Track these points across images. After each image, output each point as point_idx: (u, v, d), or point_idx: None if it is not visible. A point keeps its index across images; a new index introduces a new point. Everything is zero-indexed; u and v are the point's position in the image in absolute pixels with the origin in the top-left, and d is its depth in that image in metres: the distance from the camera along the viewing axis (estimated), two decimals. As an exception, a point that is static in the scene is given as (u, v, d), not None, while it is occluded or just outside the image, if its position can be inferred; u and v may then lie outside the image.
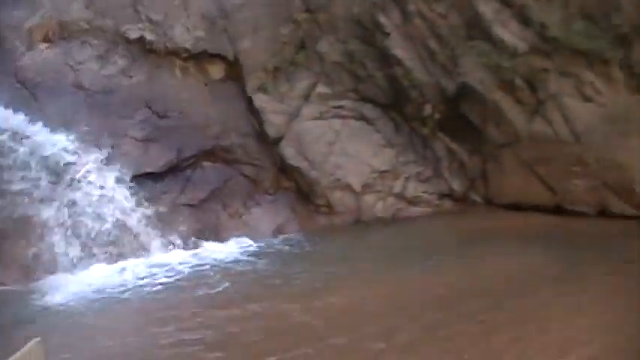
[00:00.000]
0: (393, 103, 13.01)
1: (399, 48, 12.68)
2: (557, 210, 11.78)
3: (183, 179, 12.27)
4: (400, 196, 12.38)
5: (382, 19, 12.69)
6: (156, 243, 10.95)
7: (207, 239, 11.39)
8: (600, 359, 5.76)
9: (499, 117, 11.87)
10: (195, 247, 11.05)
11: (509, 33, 11.69)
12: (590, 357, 5.76)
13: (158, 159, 12.17)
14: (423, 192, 12.46)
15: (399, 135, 12.94)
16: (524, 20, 11.62)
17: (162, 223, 11.34)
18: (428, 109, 12.60)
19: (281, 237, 11.71)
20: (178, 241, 11.11)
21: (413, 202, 12.35)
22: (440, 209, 12.38)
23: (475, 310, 7.05)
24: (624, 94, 11.29)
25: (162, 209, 11.48)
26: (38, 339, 4.93)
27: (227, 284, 8.80)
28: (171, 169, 12.19)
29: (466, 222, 11.77)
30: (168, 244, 11.05)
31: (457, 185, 12.61)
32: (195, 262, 10.17)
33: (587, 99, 11.36)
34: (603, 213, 11.49)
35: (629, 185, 11.19)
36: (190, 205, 11.98)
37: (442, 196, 12.56)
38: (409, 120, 12.93)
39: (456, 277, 8.51)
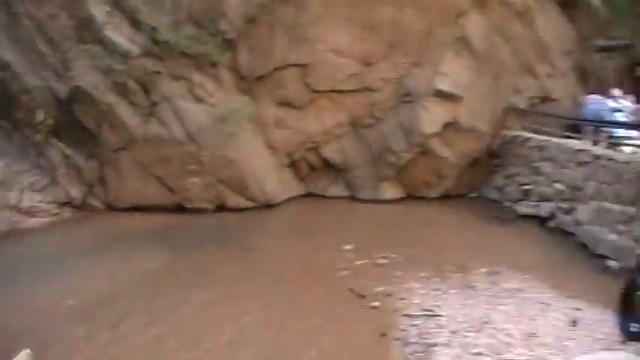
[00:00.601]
0: (3, 110, 12.15)
1: (5, 51, 11.92)
2: (178, 209, 11.91)
3: None
4: (16, 208, 11.43)
5: (-15, 20, 11.84)
6: None
7: None
8: (235, 343, 5.94)
9: (114, 120, 11.68)
10: None
11: (121, 36, 11.62)
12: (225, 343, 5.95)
13: None
14: (39, 202, 11.67)
15: (11, 144, 12.07)
16: (136, 24, 11.66)
17: None
18: (40, 115, 11.93)
19: None
20: None
21: (30, 213, 11.48)
22: (60, 218, 11.70)
23: (113, 316, 6.68)
24: (232, 95, 11.88)
25: None
26: (28, 350, 4.75)
27: None
28: None
29: (88, 228, 11.25)
30: None
31: (75, 192, 12.07)
32: None
33: (199, 100, 11.73)
34: (221, 208, 11.90)
35: (242, 180, 11.73)
36: None
37: (61, 204, 11.90)
38: (21, 127, 12.14)
39: (85, 285, 7.88)
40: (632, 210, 7.82)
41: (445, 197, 12.57)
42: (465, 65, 12.23)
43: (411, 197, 12.58)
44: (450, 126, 12.11)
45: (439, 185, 12.55)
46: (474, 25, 12.14)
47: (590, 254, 8.40)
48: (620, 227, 8.01)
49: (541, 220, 10.27)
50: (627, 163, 8.20)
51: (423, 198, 12.55)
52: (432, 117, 12.04)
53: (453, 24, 12.04)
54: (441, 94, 11.99)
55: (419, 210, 11.98)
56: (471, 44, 12.15)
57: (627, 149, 9.36)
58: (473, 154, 12.48)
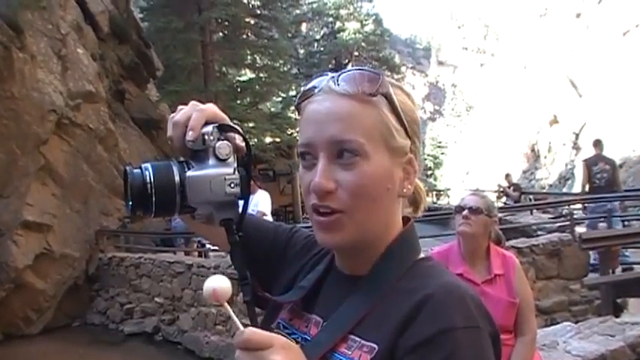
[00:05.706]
0: None
1: None
2: None
3: None
4: None
5: None
6: None
7: None
8: None
9: None
10: None
11: None
12: None
13: None
14: None
15: None
16: None
17: None
18: None
19: None
20: None
21: None
22: None
23: None
24: None
25: None
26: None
27: None
28: None
29: None
30: None
31: None
32: None
33: None
34: None
35: None
36: None
37: None
38: None
39: None
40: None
41: (48, 331, 12.00)
42: (52, 193, 12.15)
43: (9, 338, 11.63)
44: (42, 256, 11.78)
45: (40, 320, 11.95)
46: (57, 152, 12.21)
47: (199, 358, 9.02)
48: (219, 328, 8.85)
49: (147, 336, 10.59)
50: (216, 267, 9.17)
51: (23, 336, 11.74)
52: (22, 249, 11.53)
53: (35, 153, 11.89)
54: (29, 225, 11.61)
55: (20, 350, 11.17)
56: (55, 172, 12.14)
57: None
58: (69, 282, 12.29)
